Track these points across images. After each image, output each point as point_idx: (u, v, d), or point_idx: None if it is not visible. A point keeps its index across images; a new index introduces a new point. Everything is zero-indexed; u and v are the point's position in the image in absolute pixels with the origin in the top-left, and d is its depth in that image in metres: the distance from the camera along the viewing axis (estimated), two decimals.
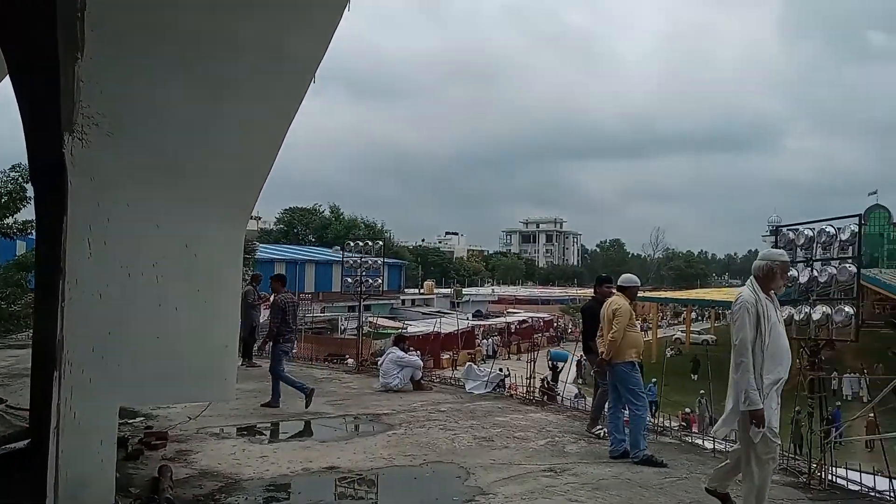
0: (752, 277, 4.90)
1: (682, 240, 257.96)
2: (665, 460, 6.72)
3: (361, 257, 13.94)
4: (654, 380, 28.65)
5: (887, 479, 5.46)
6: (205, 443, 7.30)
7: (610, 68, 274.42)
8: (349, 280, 13.88)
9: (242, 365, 12.72)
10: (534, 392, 11.07)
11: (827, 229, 5.74)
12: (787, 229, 6.10)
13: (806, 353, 5.81)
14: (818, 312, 5.64)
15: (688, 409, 26.77)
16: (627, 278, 7.25)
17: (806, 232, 5.90)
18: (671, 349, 50.87)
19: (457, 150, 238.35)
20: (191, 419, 8.18)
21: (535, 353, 13.65)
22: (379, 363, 12.65)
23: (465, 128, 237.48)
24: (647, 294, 66.15)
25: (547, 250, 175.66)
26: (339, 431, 8.64)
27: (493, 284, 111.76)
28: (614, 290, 7.59)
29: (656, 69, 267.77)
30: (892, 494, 5.40)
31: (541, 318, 59.12)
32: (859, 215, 5.56)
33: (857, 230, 5.52)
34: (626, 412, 6.96)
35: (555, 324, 61.87)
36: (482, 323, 53.72)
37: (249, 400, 9.73)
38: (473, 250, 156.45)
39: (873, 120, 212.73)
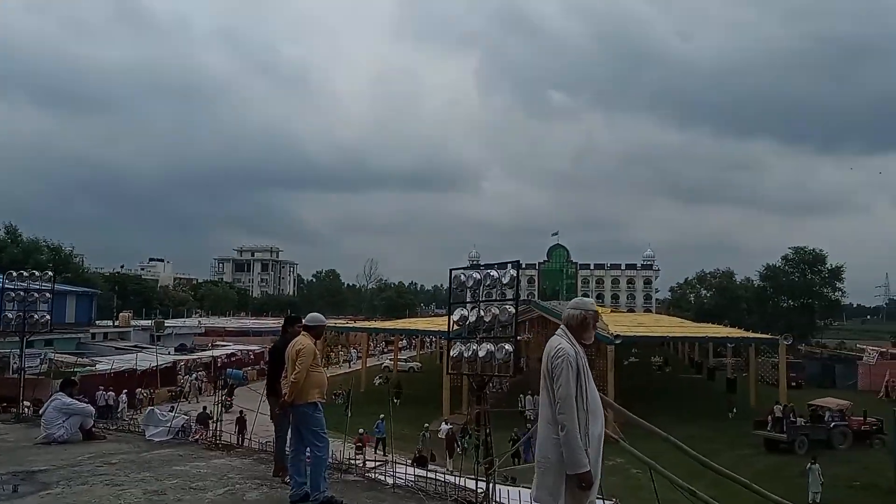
0: (563, 327, 4.61)
1: (393, 271, 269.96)
2: (345, 501, 6.64)
3: (26, 288, 12.16)
4: (381, 416, 29.10)
5: None
6: None
7: (324, 102, 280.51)
8: (9, 315, 12.01)
9: None
10: (220, 435, 10.45)
11: (492, 273, 6.16)
12: (459, 272, 6.45)
13: (474, 388, 6.13)
14: (483, 350, 6.00)
15: (361, 430, 27.47)
16: (313, 317, 7.12)
17: (474, 275, 6.28)
18: (380, 377, 52.37)
19: (164, 170, 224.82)
20: None
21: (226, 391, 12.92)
22: (41, 411, 11.07)
23: (173, 148, 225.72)
24: (360, 324, 67.69)
25: (262, 279, 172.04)
26: None
27: (200, 315, 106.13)
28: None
29: (368, 107, 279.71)
30: None
31: (251, 350, 57.23)
32: (517, 261, 6.05)
33: (515, 275, 5.99)
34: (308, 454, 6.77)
35: (267, 357, 60.31)
36: (185, 357, 50.53)
37: None
38: (181, 278, 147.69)
39: (555, 170, 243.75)
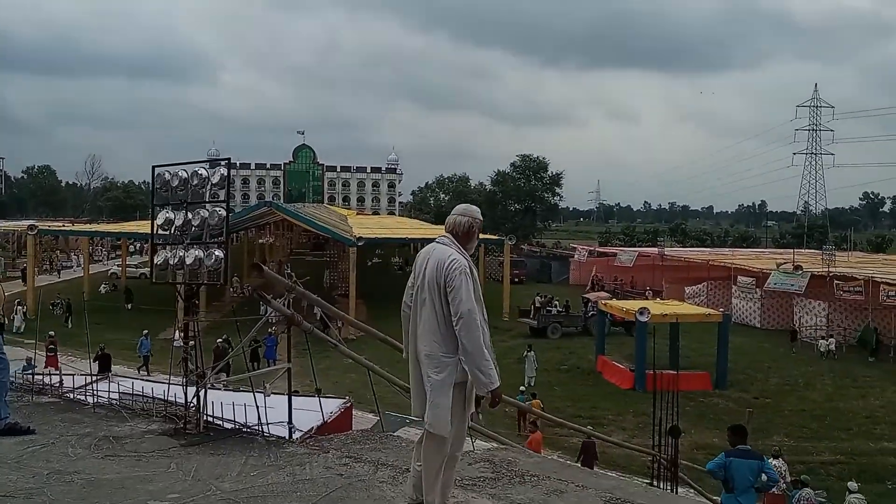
0: (447, 235, 4.17)
1: (121, 169, 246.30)
2: (34, 426, 5.89)
3: None
4: (145, 332, 26.55)
5: (255, 413, 5.68)
6: None
7: None
8: None
9: None
10: None
11: (200, 172, 5.60)
12: (163, 170, 5.79)
13: (181, 298, 5.65)
14: (191, 256, 5.50)
15: (52, 332, 24.98)
16: None
17: (181, 173, 5.67)
18: (106, 285, 48.52)
19: None
20: None
21: None
22: None
23: None
24: (82, 227, 61.31)
25: None
26: None
27: None
28: None
29: None
30: (260, 427, 5.64)
31: None
32: (228, 159, 5.54)
33: (226, 174, 5.50)
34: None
35: None
36: None
37: None
38: None
39: (298, 65, 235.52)
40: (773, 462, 13.57)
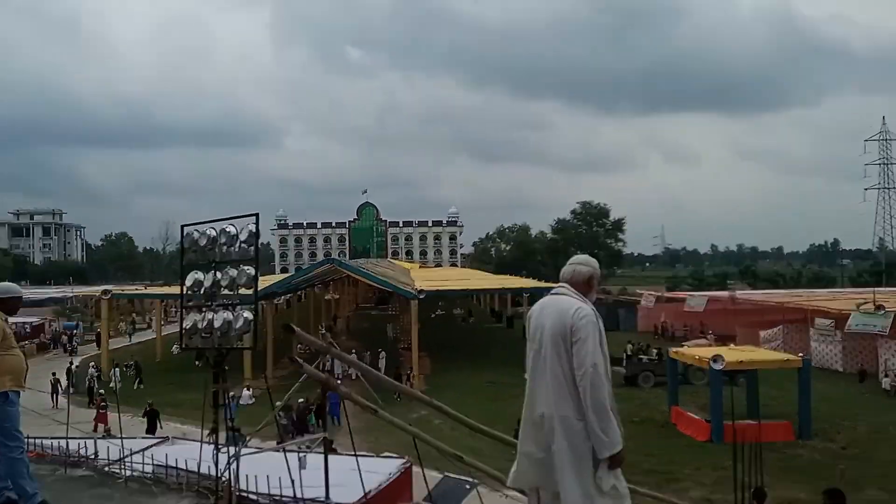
0: (567, 286, 3.91)
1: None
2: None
3: None
4: (232, 394, 26.73)
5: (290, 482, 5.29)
6: None
7: (100, 52, 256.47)
8: None
9: None
10: None
11: (228, 229, 5.37)
12: (192, 228, 5.59)
13: (210, 365, 5.38)
14: (220, 319, 5.24)
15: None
16: (4, 287, 5.91)
17: (209, 232, 5.45)
18: (178, 345, 49.35)
19: None
20: None
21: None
22: None
23: None
24: (157, 290, 63.12)
25: (45, 245, 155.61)
26: None
27: None
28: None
29: (151, 58, 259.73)
30: (295, 501, 5.26)
31: (28, 322, 51.52)
32: (256, 214, 5.30)
33: (254, 230, 5.25)
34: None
35: (48, 327, 54.92)
36: None
37: None
38: None
39: (359, 127, 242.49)
40: None
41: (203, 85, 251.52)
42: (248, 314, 5.22)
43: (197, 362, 42.12)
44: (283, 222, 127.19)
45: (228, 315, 5.23)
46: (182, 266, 5.74)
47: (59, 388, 23.79)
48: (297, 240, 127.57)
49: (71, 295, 69.96)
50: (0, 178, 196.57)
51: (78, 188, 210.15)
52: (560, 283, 3.99)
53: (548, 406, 3.70)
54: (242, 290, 5.27)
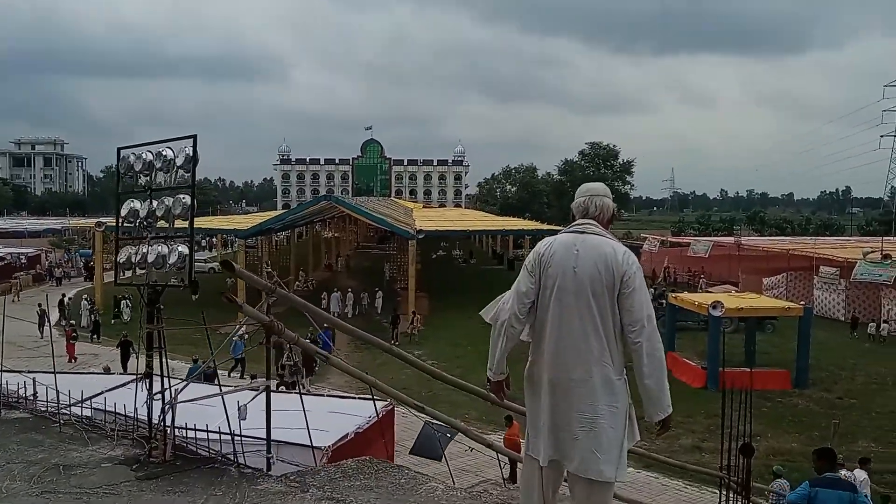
0: (594, 223, 3.34)
1: (199, 167, 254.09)
2: None
3: None
4: (236, 338, 25.77)
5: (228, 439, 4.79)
6: None
7: None
8: None
9: None
10: None
11: (164, 152, 4.74)
12: (128, 152, 4.96)
13: (143, 302, 4.83)
14: (154, 254, 4.67)
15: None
16: None
17: (144, 155, 4.83)
18: (174, 279, 49.29)
19: None
20: None
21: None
22: None
23: None
24: None
25: (46, 175, 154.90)
26: None
27: None
28: None
29: None
30: (235, 458, 4.78)
31: (23, 253, 51.29)
32: (194, 136, 4.65)
33: (191, 153, 4.62)
34: None
35: (43, 260, 54.62)
36: None
37: None
38: None
39: (368, 61, 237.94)
40: (858, 472, 12.10)
41: (209, 15, 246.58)
42: (183, 248, 4.64)
43: (194, 296, 41.99)
44: (285, 157, 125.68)
45: (164, 248, 4.66)
46: (118, 194, 5.14)
47: (46, 320, 23.65)
48: (300, 176, 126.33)
49: (68, 226, 69.62)
50: (5, 106, 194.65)
51: (82, 119, 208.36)
52: (585, 220, 3.35)
53: (585, 365, 3.22)
54: (178, 222, 4.68)
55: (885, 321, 31.05)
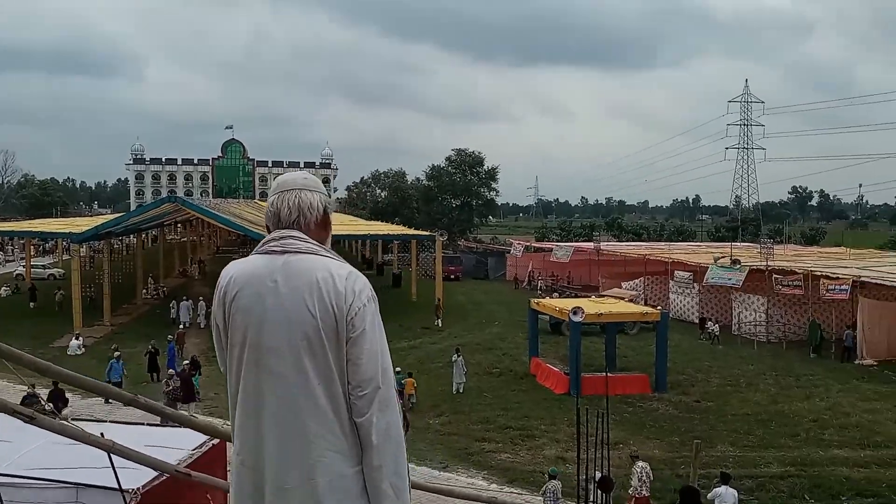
0: (296, 233, 2.17)
1: (41, 166, 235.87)
2: None
3: None
4: (115, 351, 23.04)
5: None
6: None
7: None
8: None
9: None
10: None
11: None
12: None
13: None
14: None
15: None
16: None
17: None
18: (8, 287, 44.74)
19: None
20: None
21: None
22: None
23: None
24: None
25: None
26: None
27: None
28: None
29: None
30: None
31: None
32: None
33: None
34: None
35: None
36: None
37: None
38: None
39: (226, 60, 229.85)
40: (726, 493, 11.87)
41: (46, 7, 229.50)
42: None
43: (31, 304, 38.07)
44: (139, 156, 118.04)
45: None
46: None
47: None
48: (156, 176, 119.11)
49: None
50: None
51: None
52: (281, 233, 2.19)
53: (302, 465, 2.06)
54: None
55: (710, 320, 33.32)
